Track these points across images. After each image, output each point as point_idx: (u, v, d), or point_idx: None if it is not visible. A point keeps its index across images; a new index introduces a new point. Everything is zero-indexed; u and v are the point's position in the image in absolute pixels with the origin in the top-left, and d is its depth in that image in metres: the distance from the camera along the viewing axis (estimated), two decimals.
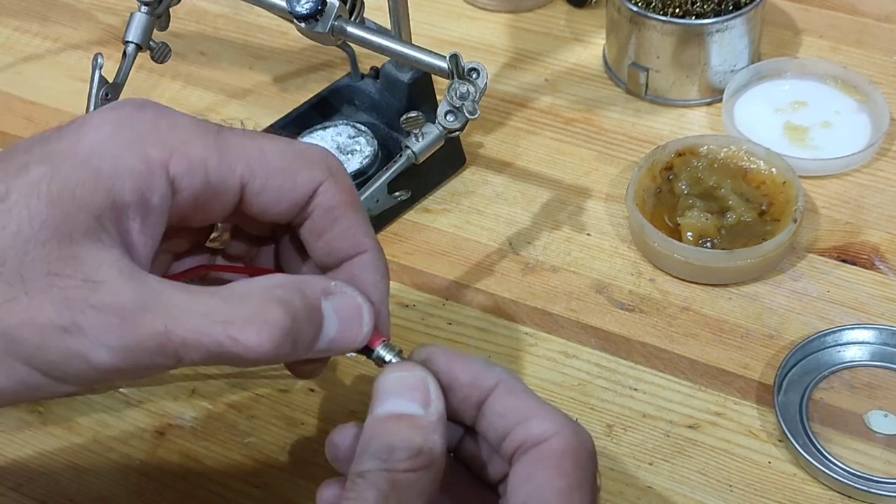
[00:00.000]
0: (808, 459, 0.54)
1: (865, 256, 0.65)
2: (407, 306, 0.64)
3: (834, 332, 0.60)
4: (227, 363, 0.39)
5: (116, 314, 0.37)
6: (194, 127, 0.42)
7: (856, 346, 0.60)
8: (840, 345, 0.60)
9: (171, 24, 0.69)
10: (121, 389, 0.61)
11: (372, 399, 0.43)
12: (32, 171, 0.38)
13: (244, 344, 0.38)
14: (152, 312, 0.38)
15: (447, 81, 0.59)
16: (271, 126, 0.71)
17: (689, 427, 0.57)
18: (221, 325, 0.38)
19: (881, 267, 0.64)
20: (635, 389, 0.59)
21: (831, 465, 0.55)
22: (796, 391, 0.58)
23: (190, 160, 0.41)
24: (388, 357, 0.45)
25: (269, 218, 0.44)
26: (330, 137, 0.69)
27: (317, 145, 0.45)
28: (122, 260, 0.38)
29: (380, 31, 0.64)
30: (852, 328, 0.60)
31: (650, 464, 0.56)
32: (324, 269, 0.47)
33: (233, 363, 0.39)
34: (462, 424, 0.45)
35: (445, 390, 0.43)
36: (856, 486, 0.53)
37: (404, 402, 0.42)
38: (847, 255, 0.65)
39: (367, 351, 0.45)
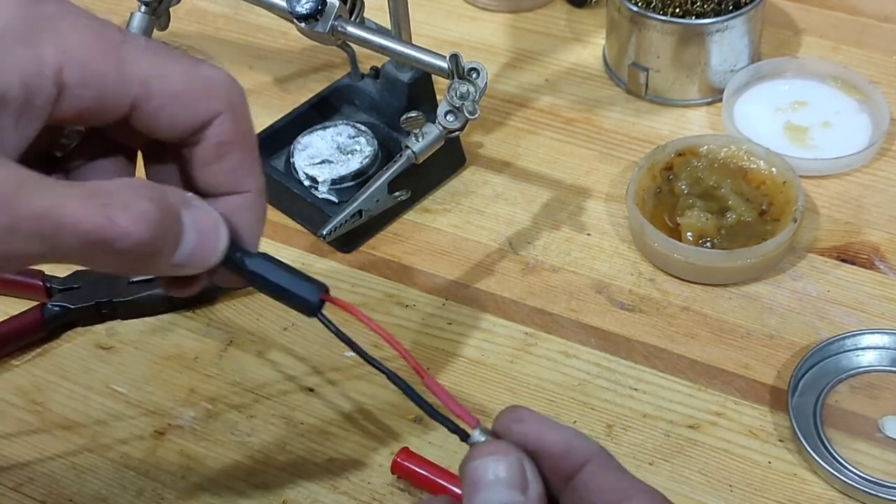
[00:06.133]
0: (821, 464, 0.54)
1: (865, 256, 0.65)
2: (407, 306, 0.64)
3: (851, 336, 0.59)
4: (96, 255, 0.38)
5: None
6: (96, 34, 0.39)
7: (872, 350, 0.59)
8: (857, 349, 0.59)
9: (171, 24, 0.69)
10: (120, 389, 0.61)
11: (464, 485, 0.39)
12: None
13: (122, 227, 0.37)
14: (32, 196, 0.36)
15: (447, 81, 0.59)
16: (271, 126, 0.71)
17: (690, 427, 0.57)
18: (101, 207, 0.37)
19: (881, 267, 0.64)
20: (635, 389, 0.59)
21: (845, 469, 0.55)
22: (811, 394, 0.58)
23: (85, 71, 0.38)
24: (475, 434, 0.40)
25: (155, 137, 0.42)
26: (330, 137, 0.69)
27: (224, 72, 0.42)
28: None
29: (380, 31, 0.65)
30: (870, 333, 0.60)
31: (650, 464, 0.56)
32: (200, 195, 0.44)
33: (102, 255, 0.38)
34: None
35: (534, 458, 0.40)
36: (869, 491, 0.53)
37: (502, 491, 0.39)
38: (847, 255, 0.65)
39: (457, 431, 0.41)
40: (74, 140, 0.45)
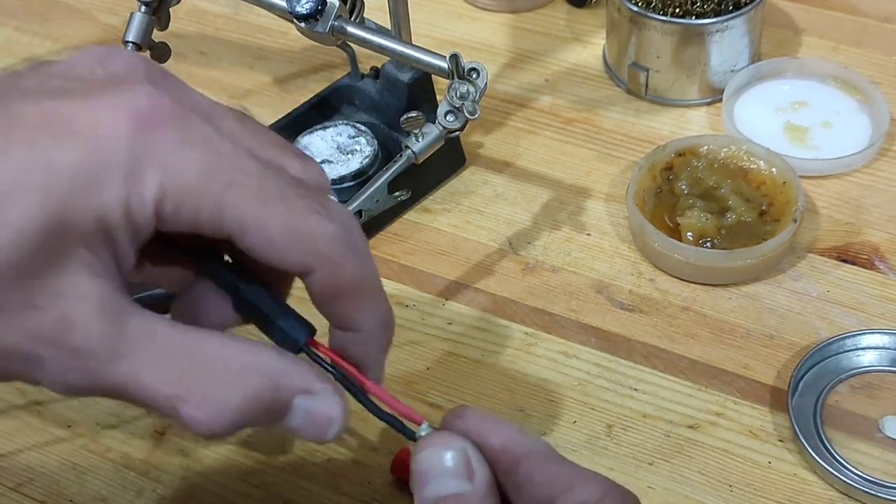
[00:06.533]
0: (821, 464, 0.54)
1: (865, 256, 0.65)
2: (407, 306, 0.64)
3: (851, 336, 0.59)
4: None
5: (84, 360, 0.36)
6: (204, 170, 0.38)
7: (872, 350, 0.59)
8: (857, 349, 0.59)
9: (171, 24, 0.69)
10: None
11: (412, 478, 0.40)
12: (31, 176, 0.35)
13: (188, 422, 0.37)
14: (119, 366, 0.36)
15: (447, 81, 0.59)
16: (271, 126, 0.71)
17: (689, 427, 0.57)
18: (178, 398, 0.37)
19: (881, 267, 0.64)
20: (635, 389, 0.59)
21: (845, 469, 0.54)
22: (811, 394, 0.57)
23: (180, 203, 0.38)
24: (421, 430, 0.41)
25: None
26: (330, 137, 0.69)
27: (332, 226, 0.40)
28: (107, 293, 0.37)
29: (380, 31, 0.65)
30: (870, 333, 0.59)
31: (650, 464, 0.56)
32: None
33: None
34: None
35: None
36: (869, 491, 0.53)
37: (449, 481, 0.39)
38: (847, 255, 0.65)
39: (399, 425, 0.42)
40: None
